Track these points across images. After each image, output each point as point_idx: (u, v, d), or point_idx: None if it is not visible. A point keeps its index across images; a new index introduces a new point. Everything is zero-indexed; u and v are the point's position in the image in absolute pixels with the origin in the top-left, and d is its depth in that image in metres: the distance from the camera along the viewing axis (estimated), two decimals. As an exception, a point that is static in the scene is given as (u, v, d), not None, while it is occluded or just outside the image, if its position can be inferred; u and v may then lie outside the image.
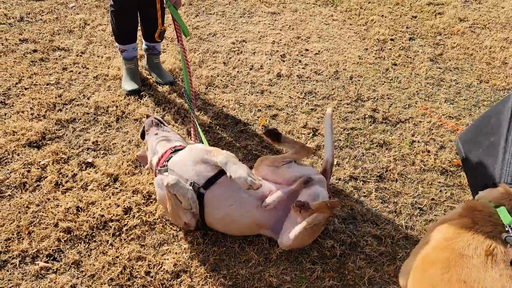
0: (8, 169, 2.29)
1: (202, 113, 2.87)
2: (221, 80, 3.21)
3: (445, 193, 2.44)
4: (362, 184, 2.46)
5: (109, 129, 2.66)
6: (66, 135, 2.58)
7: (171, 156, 2.03)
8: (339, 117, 2.96)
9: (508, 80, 3.47)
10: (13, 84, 2.91)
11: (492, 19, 4.43)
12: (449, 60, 3.70)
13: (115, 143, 2.56)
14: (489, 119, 2.39)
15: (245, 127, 2.79)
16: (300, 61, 3.53)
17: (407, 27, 4.15)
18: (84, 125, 2.67)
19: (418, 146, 2.75)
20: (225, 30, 3.87)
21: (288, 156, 2.05)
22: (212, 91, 3.09)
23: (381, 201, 2.36)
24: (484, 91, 3.35)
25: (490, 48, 3.90)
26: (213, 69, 3.33)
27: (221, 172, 1.92)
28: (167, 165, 2.00)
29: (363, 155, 2.67)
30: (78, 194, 2.20)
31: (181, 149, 2.09)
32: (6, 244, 1.93)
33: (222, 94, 3.06)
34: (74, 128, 2.64)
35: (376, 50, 3.76)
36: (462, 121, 3.00)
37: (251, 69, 3.38)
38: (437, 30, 4.14)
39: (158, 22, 2.74)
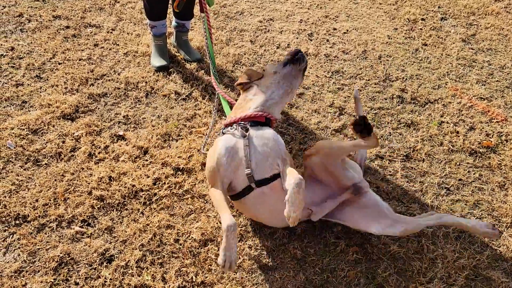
0: (44, 139, 2.39)
1: (229, 90, 2.90)
2: (248, 58, 3.22)
3: (473, 174, 2.41)
4: (388, 163, 2.45)
5: (139, 104, 2.72)
6: (98, 108, 2.66)
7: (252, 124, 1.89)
8: (367, 96, 2.93)
9: (544, 62, 3.35)
10: (47, 59, 3.00)
11: (530, -1, 4.24)
12: (482, 40, 3.59)
13: (145, 118, 2.62)
14: None
15: (272, 105, 2.80)
16: (327, 40, 3.50)
17: (439, 7, 4.03)
18: (115, 99, 2.74)
19: (447, 127, 2.71)
20: (253, 8, 3.86)
21: (350, 148, 1.86)
22: (239, 69, 3.11)
23: (407, 180, 2.35)
24: (518, 73, 3.24)
25: (526, 29, 3.75)
26: (240, 47, 3.34)
27: (276, 176, 1.81)
28: (247, 131, 1.83)
29: (390, 135, 2.65)
30: (110, 164, 2.28)
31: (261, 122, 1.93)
32: (44, 209, 2.03)
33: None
34: (105, 102, 2.72)
35: (406, 30, 3.68)
36: (494, 102, 2.93)
37: (278, 47, 3.37)
38: (470, 10, 4.00)
39: None
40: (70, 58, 3.03)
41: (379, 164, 2.43)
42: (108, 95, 2.77)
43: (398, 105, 2.87)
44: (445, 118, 2.78)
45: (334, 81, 3.05)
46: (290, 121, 2.68)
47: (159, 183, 2.21)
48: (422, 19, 3.83)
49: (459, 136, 2.64)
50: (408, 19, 3.82)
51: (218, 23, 3.60)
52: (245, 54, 3.26)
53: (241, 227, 2.04)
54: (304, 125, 2.66)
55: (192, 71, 3.04)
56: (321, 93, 2.94)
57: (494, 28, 3.76)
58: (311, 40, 3.48)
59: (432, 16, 3.88)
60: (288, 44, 3.40)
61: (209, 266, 1.87)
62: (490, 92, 3.03)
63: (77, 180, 2.18)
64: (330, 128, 2.65)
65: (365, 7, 3.99)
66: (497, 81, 3.15)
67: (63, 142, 2.39)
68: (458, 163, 2.47)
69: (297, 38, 3.49)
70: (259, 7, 3.89)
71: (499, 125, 2.75)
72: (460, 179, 2.38)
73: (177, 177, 2.25)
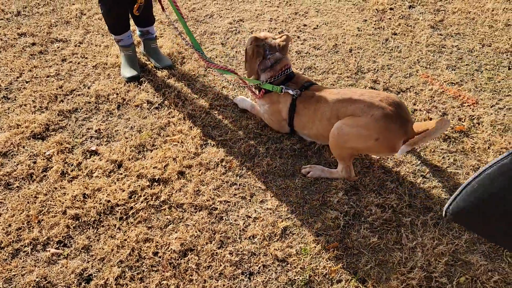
0: (15, 162, 2.35)
1: (202, 94, 2.88)
2: (220, 61, 3.21)
3: (448, 159, 2.44)
4: (364, 156, 2.46)
5: (111, 117, 2.69)
6: (69, 125, 2.62)
7: None
8: (339, 90, 2.94)
9: (511, 42, 3.40)
10: (14, 78, 2.94)
11: (495, -20, 4.30)
12: (450, 26, 3.63)
13: (118, 130, 2.59)
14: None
15: (245, 107, 2.79)
16: (298, 37, 3.50)
17: (406, -5, 4.07)
18: (86, 114, 2.70)
19: (420, 115, 2.73)
20: (222, 10, 3.84)
21: None
22: (211, 73, 3.09)
23: (383, 171, 2.36)
24: (486, 55, 3.28)
25: (492, 10, 3.81)
26: (212, 50, 3.32)
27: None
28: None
29: (365, 127, 2.66)
30: (84, 181, 2.25)
31: None
32: (17, 234, 1.99)
33: (221, 75, 3.06)
34: (76, 118, 2.67)
35: (375, 21, 3.70)
36: (464, 86, 2.96)
37: (249, 48, 3.35)
38: (437, -5, 4.04)
39: None
40: (38, 75, 2.97)
41: (355, 159, 2.44)
42: (78, 111, 2.73)
43: (371, 96, 2.89)
44: (417, 105, 2.81)
45: (306, 78, 3.05)
46: (264, 123, 2.67)
47: (135, 196, 2.19)
48: (391, 9, 3.86)
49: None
50: (376, 9, 3.84)
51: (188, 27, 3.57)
52: (216, 57, 3.24)
53: (220, 234, 2.03)
54: (279, 125, 2.66)
55: (163, 79, 3.01)
56: (294, 90, 2.94)
57: (461, 12, 3.80)
58: (281, 38, 3.48)
59: (400, 5, 3.91)
60: (259, 44, 3.39)
61: (190, 277, 1.86)
62: (460, 76, 3.07)
63: (51, 201, 2.15)
64: (305, 125, 2.64)
65: (334, 1, 4.00)
66: (467, 64, 3.19)
67: (34, 162, 2.34)
68: (432, 150, 2.49)
69: (267, 37, 3.48)
70: (228, 9, 3.87)
71: (470, 108, 2.78)
72: (435, 166, 2.40)
73: (153, 188, 2.23)
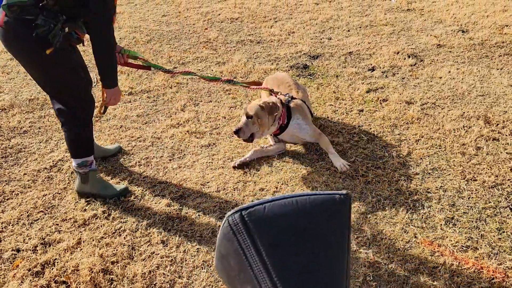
0: None
1: None
2: (164, 273, 2.34)
3: None
4: None
5: None
6: None
7: None
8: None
9: (493, 171, 3.00)
10: None
11: (437, 94, 4.13)
12: (421, 159, 3.20)
13: None
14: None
15: None
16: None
17: (359, 126, 3.67)
18: None
19: (451, 313, 2.05)
20: (155, 186, 3.06)
21: None
22: (156, 298, 2.20)
23: None
24: (478, 194, 2.81)
25: (453, 132, 3.49)
26: (150, 257, 2.45)
27: None
28: None
29: None
30: None
31: None
32: None
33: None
34: None
35: (342, 176, 3.15)
36: (480, 252, 2.38)
37: (199, 242, 2.56)
38: (390, 122, 3.69)
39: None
40: None
41: None
42: None
43: (378, 292, 2.18)
44: (440, 296, 2.14)
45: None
46: None
47: None
48: (349, 148, 3.37)
49: (472, 326, 1.98)
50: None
51: (113, 224, 2.70)
52: (158, 267, 2.38)
53: None
54: None
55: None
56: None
57: (424, 140, 3.43)
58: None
59: (357, 141, 3.46)
60: (212, 231, 2.61)
61: None
62: (466, 234, 2.50)
63: None
64: None
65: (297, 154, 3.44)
66: (464, 213, 2.67)
67: None
68: None
69: (219, 217, 2.73)
70: (162, 182, 3.11)
71: (504, 286, 2.17)
72: None
73: None
